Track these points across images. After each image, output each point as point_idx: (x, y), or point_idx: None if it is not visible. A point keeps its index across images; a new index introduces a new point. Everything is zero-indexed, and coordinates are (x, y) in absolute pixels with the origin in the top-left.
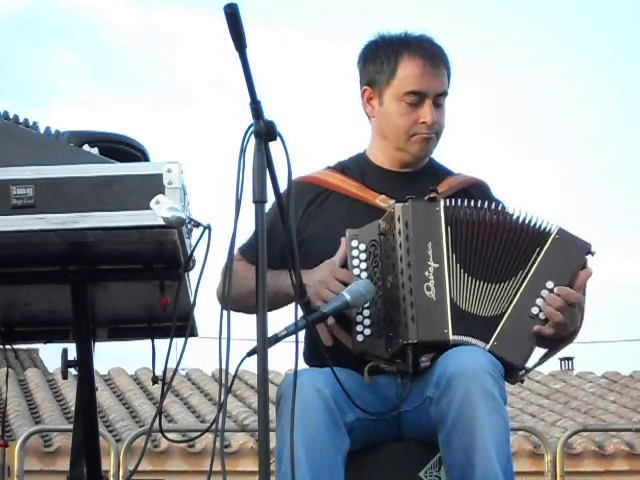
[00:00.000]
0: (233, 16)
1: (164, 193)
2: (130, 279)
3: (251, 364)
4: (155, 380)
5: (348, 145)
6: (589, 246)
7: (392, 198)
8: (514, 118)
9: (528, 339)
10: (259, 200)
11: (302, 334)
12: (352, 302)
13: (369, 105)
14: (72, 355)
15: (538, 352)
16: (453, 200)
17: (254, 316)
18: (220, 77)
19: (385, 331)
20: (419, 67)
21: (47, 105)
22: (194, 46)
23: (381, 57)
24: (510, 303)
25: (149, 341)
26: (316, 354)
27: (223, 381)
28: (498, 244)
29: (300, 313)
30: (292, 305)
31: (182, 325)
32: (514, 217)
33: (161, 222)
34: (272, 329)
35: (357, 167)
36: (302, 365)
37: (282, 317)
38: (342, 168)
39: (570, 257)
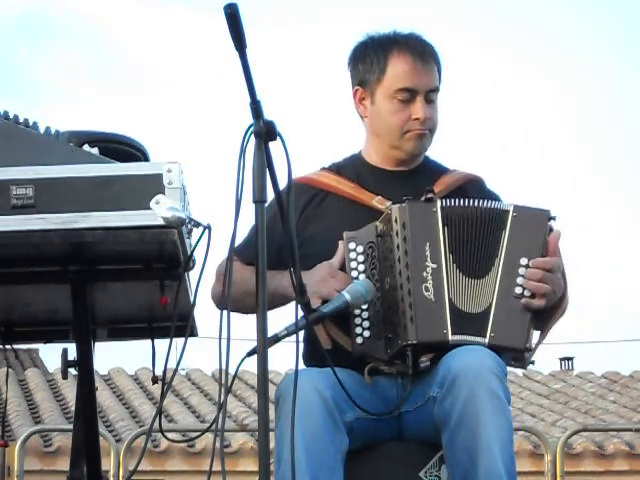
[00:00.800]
0: (233, 16)
1: (164, 193)
2: (130, 279)
3: (251, 364)
4: (155, 380)
5: (346, 144)
6: (548, 212)
7: (388, 198)
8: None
9: (522, 319)
10: (259, 200)
11: (302, 334)
12: (352, 302)
13: (361, 105)
14: (72, 355)
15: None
16: (450, 200)
17: (254, 316)
18: (220, 77)
19: (384, 332)
20: (409, 63)
21: (47, 105)
22: (194, 46)
23: (371, 56)
24: (493, 292)
25: (149, 341)
26: (316, 354)
27: (223, 381)
28: (487, 239)
29: (300, 313)
30: (292, 305)
31: (182, 325)
32: (493, 209)
33: (161, 222)
34: (272, 329)
35: (352, 168)
36: (302, 366)
37: (282, 317)
38: (337, 169)
39: (533, 229)
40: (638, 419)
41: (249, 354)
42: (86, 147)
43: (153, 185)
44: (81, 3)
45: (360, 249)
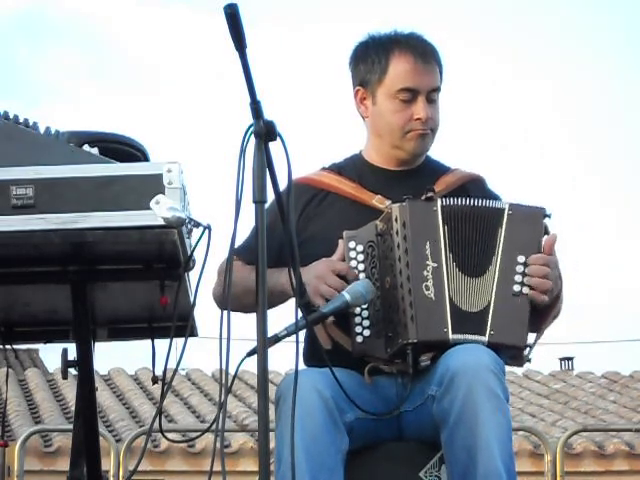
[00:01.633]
0: (233, 16)
1: (164, 193)
2: (130, 279)
3: (251, 364)
4: (155, 380)
5: (346, 144)
6: (543, 210)
7: (389, 197)
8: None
9: (520, 317)
10: (259, 200)
11: (302, 334)
12: (352, 302)
13: (362, 105)
14: (72, 355)
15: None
16: (450, 199)
17: (254, 316)
18: (220, 77)
19: (384, 332)
20: (410, 63)
21: (47, 105)
22: (194, 46)
23: (372, 56)
24: (492, 290)
25: (149, 341)
26: (316, 354)
27: (223, 381)
28: (486, 238)
29: (300, 313)
30: (292, 305)
31: (182, 325)
32: (490, 208)
33: (161, 222)
34: (272, 329)
35: (353, 167)
36: (302, 366)
37: (282, 317)
38: (338, 169)
39: (530, 227)
40: (638, 419)
41: (249, 354)
42: (86, 147)
43: (153, 185)
44: (81, 3)
45: (360, 248)
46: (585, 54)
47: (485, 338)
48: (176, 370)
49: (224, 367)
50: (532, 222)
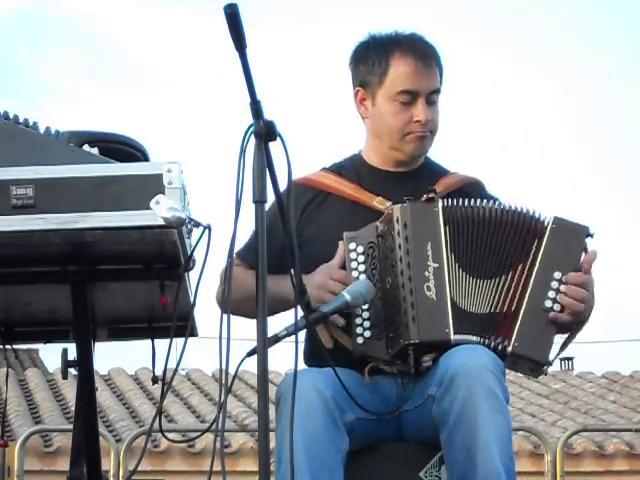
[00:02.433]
0: (233, 16)
1: (164, 193)
2: (130, 279)
3: (251, 364)
4: (155, 380)
5: (346, 145)
6: (587, 229)
7: (388, 199)
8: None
9: (547, 333)
10: (259, 200)
11: (302, 334)
12: (352, 302)
13: (362, 106)
14: (72, 355)
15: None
16: (451, 200)
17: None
18: (220, 77)
19: (385, 332)
20: (411, 66)
21: (47, 105)
22: (194, 46)
23: (372, 57)
24: (521, 300)
25: (149, 341)
26: (316, 354)
27: (223, 381)
28: (495, 240)
29: (300, 313)
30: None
31: (182, 325)
32: (509, 212)
33: (161, 222)
34: (272, 329)
35: (352, 168)
36: (302, 365)
37: (282, 317)
38: (338, 169)
39: (571, 244)
40: (638, 419)
41: (249, 354)
42: (86, 147)
43: (153, 185)
44: (81, 3)
45: (360, 249)
46: (585, 54)
47: (509, 348)
48: (176, 370)
49: (224, 367)
50: (574, 239)
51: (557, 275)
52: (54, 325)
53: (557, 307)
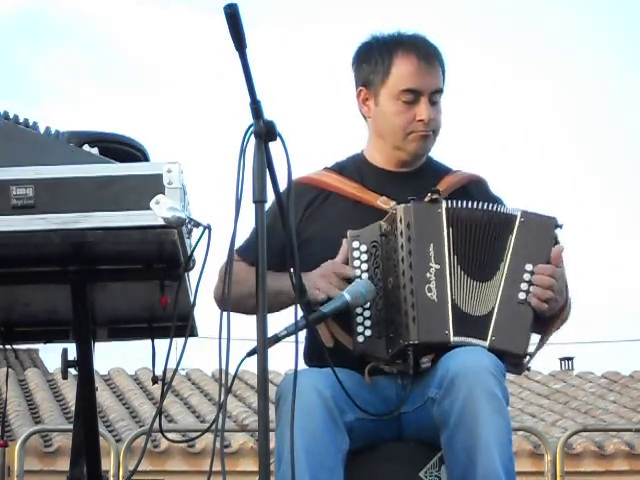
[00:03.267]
0: (233, 16)
1: (164, 193)
2: (130, 279)
3: (251, 364)
4: (155, 380)
5: (347, 144)
6: (555, 220)
7: (392, 198)
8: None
9: (523, 325)
10: (259, 200)
11: (302, 334)
12: (352, 302)
13: (365, 106)
14: (72, 355)
15: (534, 337)
16: (455, 201)
17: (254, 316)
18: (220, 77)
19: (386, 332)
20: (413, 65)
21: (47, 105)
22: (194, 46)
23: (375, 57)
24: (497, 296)
25: (149, 341)
26: (316, 354)
27: (223, 381)
28: (491, 242)
29: (300, 313)
30: (293, 305)
31: (182, 325)
32: (499, 212)
33: (161, 222)
34: (272, 329)
35: (354, 168)
36: (302, 365)
37: (282, 317)
38: (340, 169)
39: (540, 236)
40: (638, 419)
41: (249, 354)
42: (86, 147)
43: (153, 185)
44: (81, 3)
45: (364, 248)
46: (585, 54)
47: (486, 343)
48: (176, 370)
49: (224, 367)
50: (543, 231)
51: (529, 267)
52: (54, 325)
53: (531, 298)
